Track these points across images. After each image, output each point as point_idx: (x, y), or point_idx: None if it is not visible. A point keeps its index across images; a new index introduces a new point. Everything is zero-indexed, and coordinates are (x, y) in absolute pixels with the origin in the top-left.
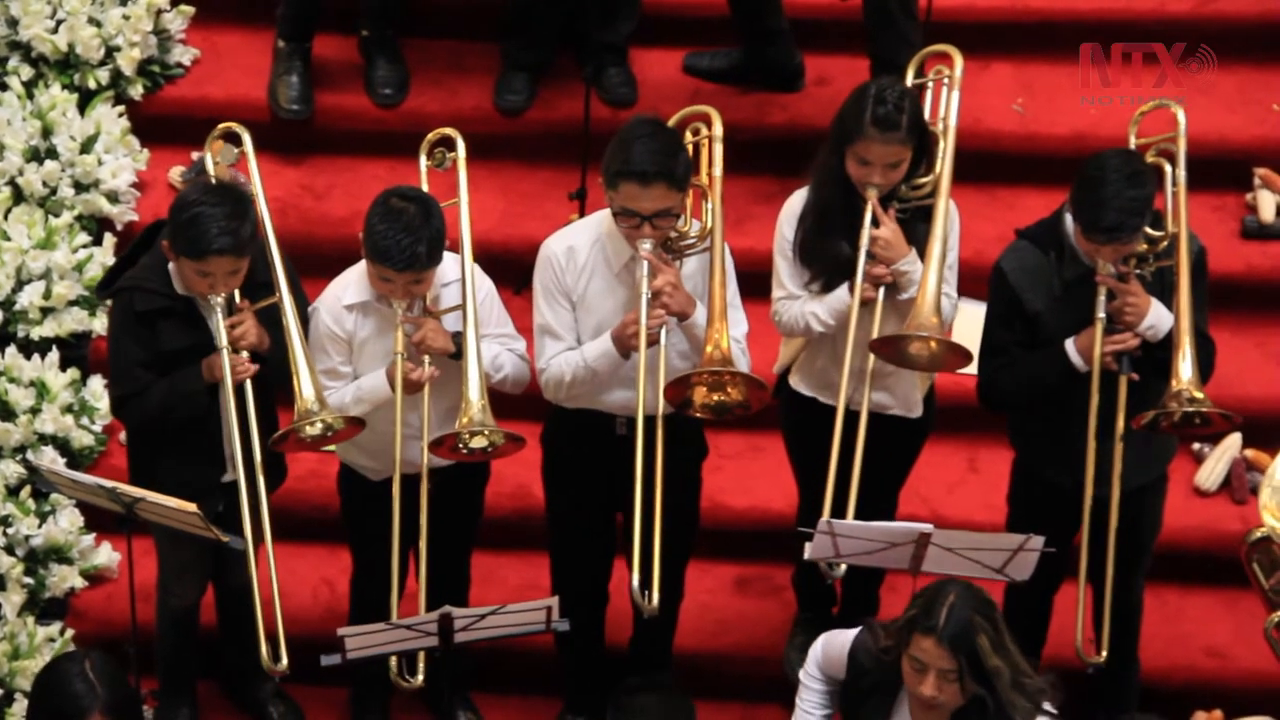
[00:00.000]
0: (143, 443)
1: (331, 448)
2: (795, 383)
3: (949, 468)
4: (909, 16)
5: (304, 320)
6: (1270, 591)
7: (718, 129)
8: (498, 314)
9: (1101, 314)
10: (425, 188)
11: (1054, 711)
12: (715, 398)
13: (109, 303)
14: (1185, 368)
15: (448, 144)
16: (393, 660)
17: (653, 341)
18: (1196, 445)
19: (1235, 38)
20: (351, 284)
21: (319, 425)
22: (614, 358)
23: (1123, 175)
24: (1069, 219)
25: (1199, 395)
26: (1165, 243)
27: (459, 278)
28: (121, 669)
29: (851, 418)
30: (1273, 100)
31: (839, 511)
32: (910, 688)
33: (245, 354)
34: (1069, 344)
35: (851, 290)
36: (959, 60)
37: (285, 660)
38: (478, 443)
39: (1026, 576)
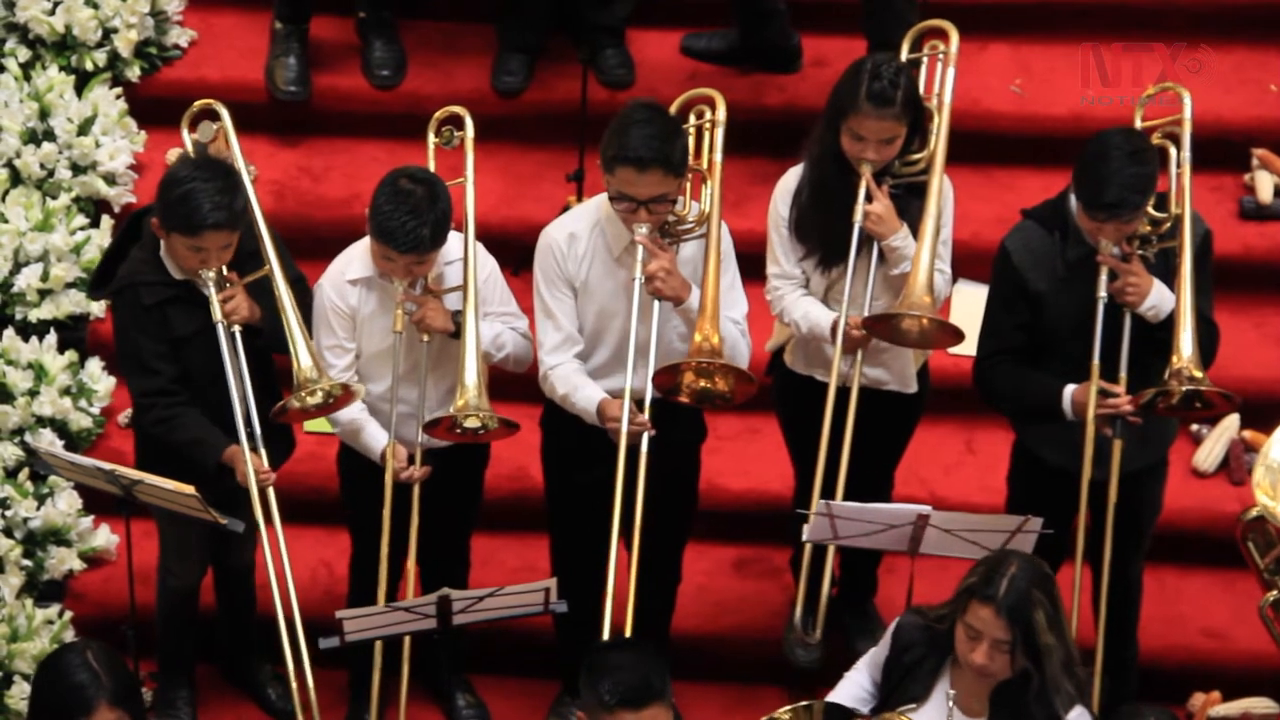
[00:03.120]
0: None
1: (331, 429)
2: (790, 361)
3: (947, 449)
4: None
5: (293, 284)
6: (1265, 571)
7: (721, 113)
8: (500, 293)
9: (1103, 294)
10: (432, 167)
11: (1093, 711)
12: (701, 384)
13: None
14: (1185, 346)
15: (456, 122)
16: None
17: (633, 444)
18: (1195, 427)
19: (1232, 19)
20: (355, 259)
21: (319, 394)
22: (595, 420)
23: (1125, 152)
24: (1074, 199)
25: (1198, 374)
26: (1169, 224)
27: (462, 257)
28: (120, 656)
29: (846, 395)
30: (1270, 81)
31: (830, 488)
32: (962, 655)
33: (266, 461)
34: (1066, 391)
35: (833, 334)
36: (954, 36)
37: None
38: (471, 424)
39: None
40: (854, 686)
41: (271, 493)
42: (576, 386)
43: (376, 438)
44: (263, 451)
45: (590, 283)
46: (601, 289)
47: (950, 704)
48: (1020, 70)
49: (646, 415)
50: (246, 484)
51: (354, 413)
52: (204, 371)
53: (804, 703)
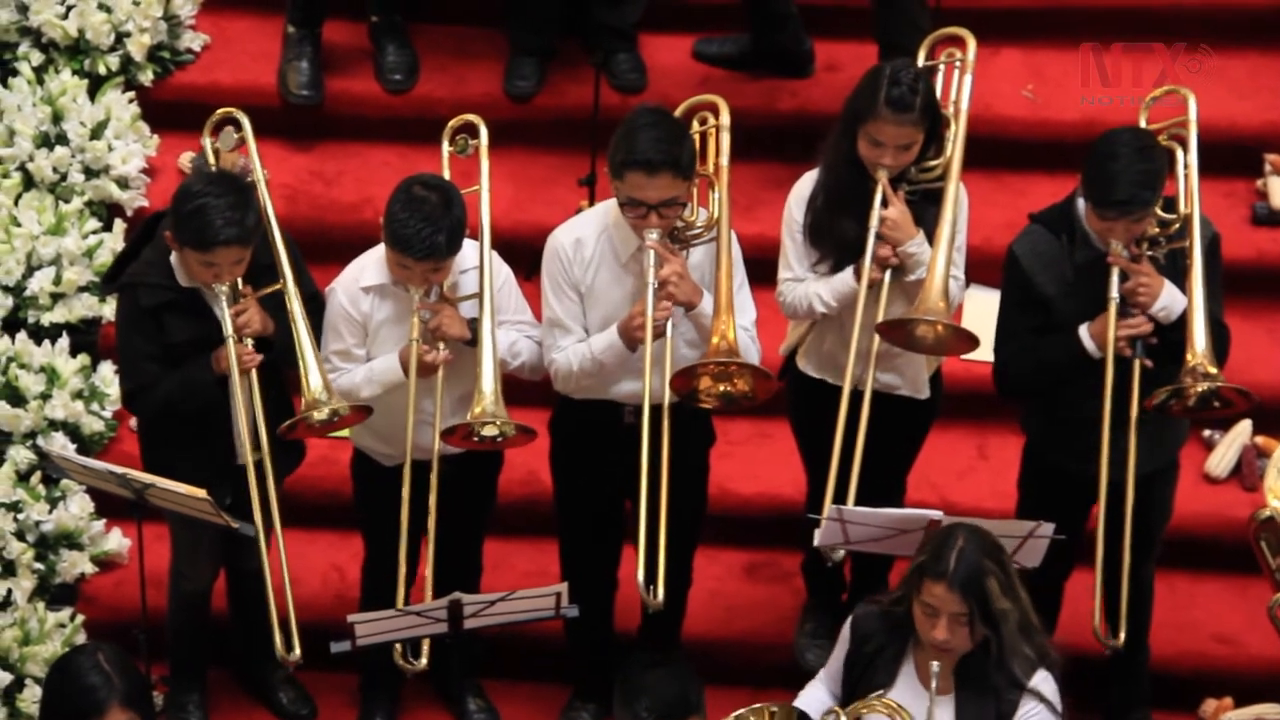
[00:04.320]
0: (155, 432)
1: (345, 433)
2: (803, 365)
3: (959, 454)
4: (919, 2)
5: (308, 302)
6: (1277, 571)
7: (725, 118)
8: (516, 301)
9: (1114, 295)
10: (446, 174)
11: (1054, 675)
12: (721, 388)
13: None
14: (1199, 341)
15: (470, 130)
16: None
17: (659, 334)
18: (1207, 432)
19: (1246, 24)
20: (370, 266)
21: (325, 411)
22: (620, 350)
23: (1133, 149)
24: (1081, 203)
25: (1213, 370)
26: (1177, 225)
27: (477, 264)
28: (132, 658)
29: (859, 399)
30: None
31: (842, 492)
32: (922, 633)
33: (250, 343)
34: (1083, 330)
35: (858, 272)
36: (972, 43)
37: (298, 651)
38: (489, 431)
39: (1037, 563)
40: (811, 701)
41: (272, 491)
42: (587, 342)
43: (387, 359)
44: (268, 464)
45: (596, 288)
46: (608, 295)
47: (934, 681)
48: (1032, 75)
49: (666, 400)
50: (231, 370)
51: (353, 379)
52: None
53: (761, 705)
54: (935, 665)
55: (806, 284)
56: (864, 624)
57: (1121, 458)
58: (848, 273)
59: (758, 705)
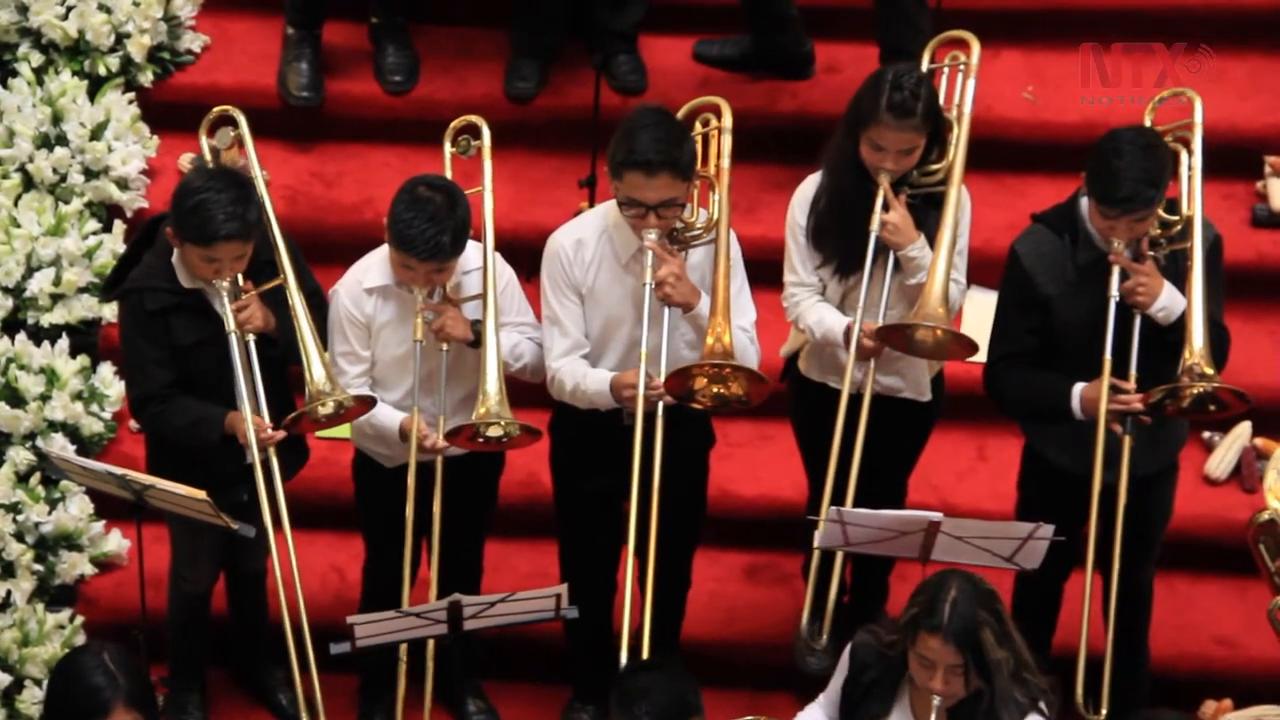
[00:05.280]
0: (162, 442)
1: (345, 434)
2: (805, 369)
3: (958, 456)
4: (919, 3)
5: (310, 298)
6: (1276, 574)
7: (727, 120)
8: (518, 303)
9: (1114, 295)
10: (449, 175)
11: (1047, 714)
12: (716, 390)
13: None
14: (1197, 341)
15: (472, 131)
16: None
17: (650, 410)
18: (1206, 434)
19: (1246, 25)
20: (373, 267)
21: (330, 405)
22: (609, 401)
23: (1137, 147)
24: (1084, 203)
25: (1210, 370)
26: (1179, 227)
27: (480, 265)
28: (136, 658)
29: (859, 402)
30: None
31: (841, 494)
32: (920, 683)
33: (253, 339)
34: (1075, 390)
35: (847, 341)
36: (975, 47)
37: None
38: (493, 432)
39: (1036, 565)
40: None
41: (281, 494)
42: (585, 374)
43: (391, 415)
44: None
45: (597, 289)
46: (608, 296)
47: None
48: (1032, 77)
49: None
50: (248, 446)
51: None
52: (211, 381)
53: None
54: (936, 700)
55: (808, 308)
56: (862, 653)
57: (1117, 460)
58: (840, 327)
59: (759, 719)
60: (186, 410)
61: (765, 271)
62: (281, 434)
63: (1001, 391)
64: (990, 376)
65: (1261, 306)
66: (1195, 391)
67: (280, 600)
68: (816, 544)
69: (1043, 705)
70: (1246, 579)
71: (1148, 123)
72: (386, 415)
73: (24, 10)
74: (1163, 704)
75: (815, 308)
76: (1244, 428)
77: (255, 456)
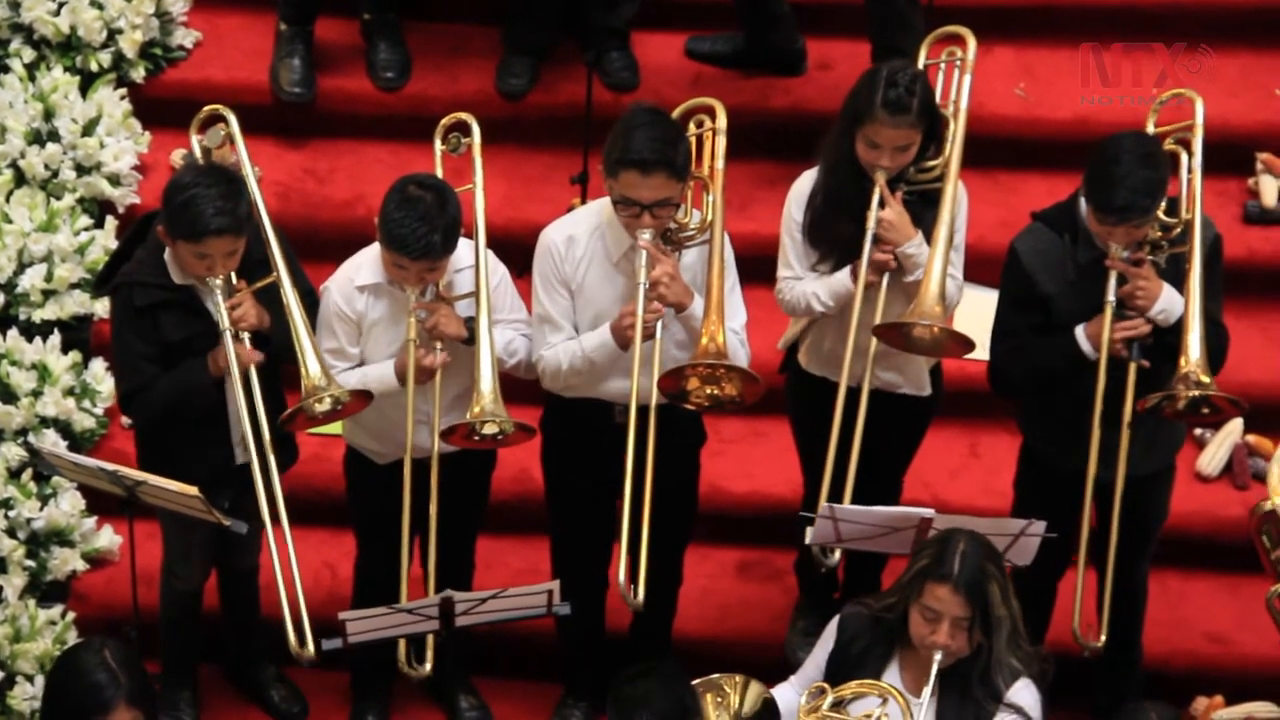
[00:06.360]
0: (152, 433)
1: (337, 430)
2: (804, 362)
3: (951, 453)
4: (912, 0)
5: (304, 298)
6: (1277, 562)
7: (721, 121)
8: (511, 299)
9: (1112, 298)
10: (439, 172)
11: (1038, 682)
12: (709, 390)
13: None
14: (1194, 349)
15: (463, 128)
16: (401, 646)
17: (649, 335)
18: (1198, 431)
19: (1237, 22)
20: (365, 265)
21: (327, 401)
22: (612, 349)
23: (1136, 156)
24: (1083, 202)
25: (1206, 379)
26: (1179, 229)
27: (472, 263)
28: (136, 656)
29: (857, 396)
30: (1274, 85)
31: (838, 489)
32: (919, 639)
33: (247, 339)
34: (1079, 330)
35: (854, 272)
36: (971, 42)
37: (311, 647)
38: (489, 430)
39: (1028, 561)
40: (780, 701)
41: (279, 490)
42: (579, 340)
43: (382, 369)
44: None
45: (587, 287)
46: (599, 293)
47: (934, 670)
48: (1024, 74)
49: (654, 400)
50: (229, 368)
51: (349, 380)
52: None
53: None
54: (938, 655)
55: (805, 283)
56: (851, 624)
57: (1114, 458)
58: (845, 273)
59: (727, 675)
60: (166, 379)
61: (757, 268)
62: (260, 356)
63: (1009, 376)
64: (994, 372)
65: (1253, 303)
66: (1190, 395)
67: (279, 595)
68: (809, 540)
69: (1035, 672)
70: (1239, 575)
71: (1150, 125)
72: (378, 373)
73: (16, 6)
74: (1155, 699)
75: (811, 281)
76: (1235, 424)
77: (236, 375)
